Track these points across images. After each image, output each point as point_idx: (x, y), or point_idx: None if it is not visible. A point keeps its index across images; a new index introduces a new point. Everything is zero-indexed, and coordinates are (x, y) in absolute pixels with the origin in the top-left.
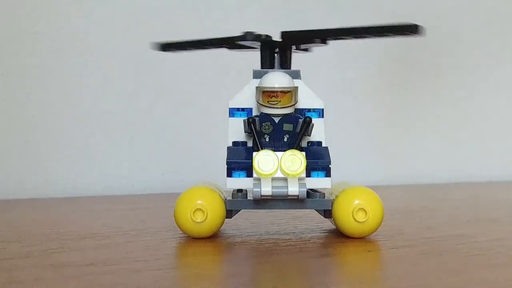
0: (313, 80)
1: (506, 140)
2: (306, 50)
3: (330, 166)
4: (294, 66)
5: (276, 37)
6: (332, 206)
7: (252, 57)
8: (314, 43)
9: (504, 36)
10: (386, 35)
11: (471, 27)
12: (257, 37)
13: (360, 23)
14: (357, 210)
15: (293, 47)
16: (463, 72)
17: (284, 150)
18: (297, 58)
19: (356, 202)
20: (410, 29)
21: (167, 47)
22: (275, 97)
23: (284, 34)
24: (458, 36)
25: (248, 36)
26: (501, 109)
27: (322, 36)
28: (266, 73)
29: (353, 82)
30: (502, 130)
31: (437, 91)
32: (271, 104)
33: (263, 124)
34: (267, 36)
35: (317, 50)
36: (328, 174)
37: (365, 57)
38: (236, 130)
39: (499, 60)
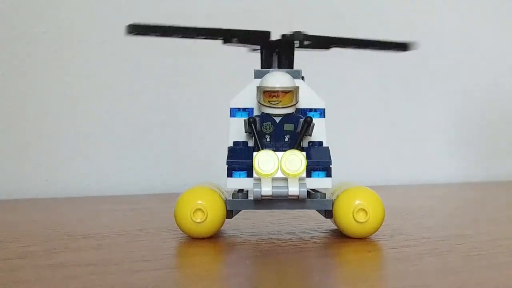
0: (313, 79)
1: (506, 140)
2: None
3: (330, 166)
4: (295, 66)
5: (277, 37)
6: (332, 206)
7: (253, 57)
8: (315, 48)
9: None
10: (380, 49)
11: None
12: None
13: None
14: (357, 210)
15: (296, 44)
16: (463, 72)
17: (285, 150)
18: (298, 58)
19: (357, 202)
20: (401, 47)
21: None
22: (276, 97)
23: (284, 36)
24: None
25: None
26: (501, 109)
27: (324, 42)
28: (267, 73)
29: (354, 81)
30: (501, 130)
31: (437, 91)
32: (272, 104)
33: (264, 124)
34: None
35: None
36: (328, 174)
37: (366, 57)
38: (237, 130)
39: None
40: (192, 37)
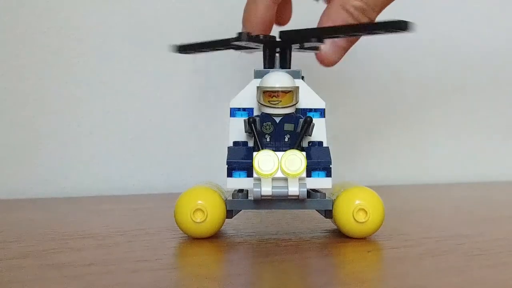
0: (314, 79)
1: (506, 140)
2: (315, 49)
3: (330, 166)
4: (295, 66)
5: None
6: (332, 206)
7: (254, 57)
8: (311, 42)
9: None
10: (377, 33)
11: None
12: (250, 38)
13: None
14: (357, 210)
15: (297, 46)
16: (463, 71)
17: (285, 150)
18: (299, 58)
19: (357, 202)
20: (399, 26)
21: (183, 49)
22: (276, 97)
23: (282, 33)
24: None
25: (243, 36)
26: (501, 108)
27: (317, 34)
28: (267, 73)
29: (353, 81)
30: (501, 129)
31: (436, 90)
32: (272, 104)
33: (264, 124)
34: (264, 36)
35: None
36: (328, 174)
37: (364, 56)
38: (237, 130)
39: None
40: (218, 49)
